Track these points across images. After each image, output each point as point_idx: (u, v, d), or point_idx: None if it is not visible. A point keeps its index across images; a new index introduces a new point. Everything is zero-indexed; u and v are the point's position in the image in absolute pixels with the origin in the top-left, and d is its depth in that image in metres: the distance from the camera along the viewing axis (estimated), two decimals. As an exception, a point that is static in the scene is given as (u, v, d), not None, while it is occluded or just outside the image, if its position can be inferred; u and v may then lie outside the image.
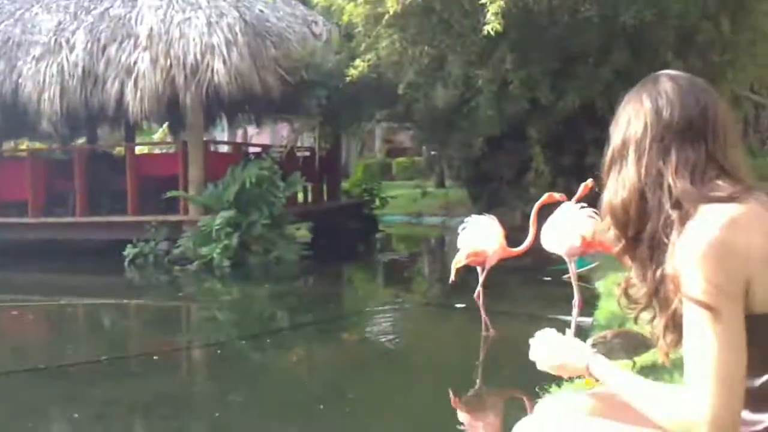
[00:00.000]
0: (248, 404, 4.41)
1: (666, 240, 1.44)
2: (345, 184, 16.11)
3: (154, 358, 5.80)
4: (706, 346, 1.34)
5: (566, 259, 5.24)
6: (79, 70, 10.64)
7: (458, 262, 5.42)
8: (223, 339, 6.53)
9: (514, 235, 5.67)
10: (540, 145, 10.64)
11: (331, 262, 11.04)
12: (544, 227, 5.28)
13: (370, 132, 28.15)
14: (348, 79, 10.57)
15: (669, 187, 1.45)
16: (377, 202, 15.32)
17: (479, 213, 11.76)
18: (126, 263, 10.55)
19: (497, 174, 11.58)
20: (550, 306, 6.42)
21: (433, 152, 17.51)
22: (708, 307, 1.33)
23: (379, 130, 29.05)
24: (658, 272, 1.48)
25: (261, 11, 11.64)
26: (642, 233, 1.51)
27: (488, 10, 8.85)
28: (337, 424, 3.99)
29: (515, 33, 9.97)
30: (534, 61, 10.24)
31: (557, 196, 5.42)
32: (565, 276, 7.41)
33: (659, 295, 1.50)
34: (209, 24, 10.35)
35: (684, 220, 1.41)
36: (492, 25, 8.78)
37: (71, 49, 10.81)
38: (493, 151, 11.27)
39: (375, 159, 26.22)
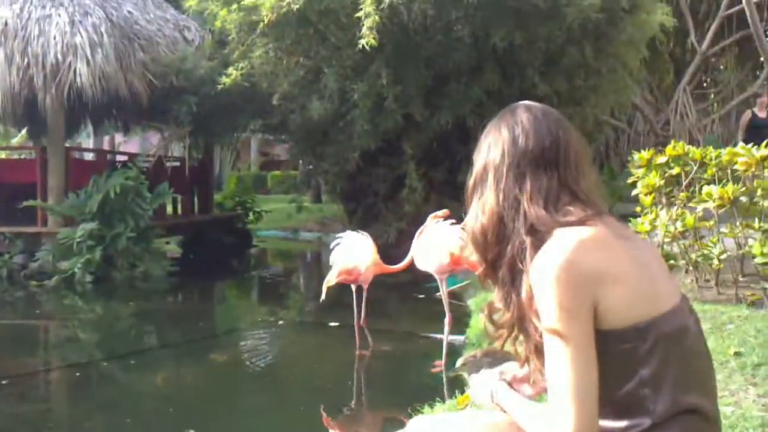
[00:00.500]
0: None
1: (521, 265, 1.52)
2: (217, 197, 15.62)
3: (3, 382, 5.29)
4: (560, 367, 1.42)
5: (436, 276, 5.24)
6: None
7: (329, 281, 5.31)
8: (84, 360, 6.08)
9: (389, 252, 5.63)
10: (414, 161, 10.71)
11: (201, 277, 10.63)
12: (414, 245, 5.27)
13: (245, 143, 27.74)
14: (220, 86, 10.27)
15: (524, 212, 1.51)
16: (251, 215, 14.95)
17: (355, 229, 11.76)
18: (-25, 278, 9.71)
19: (372, 189, 11.56)
20: (425, 324, 6.41)
21: (309, 166, 17.37)
22: (557, 331, 1.41)
23: (255, 141, 28.69)
24: (521, 297, 1.54)
25: (129, 12, 11.09)
26: (501, 258, 1.56)
27: (363, 24, 8.86)
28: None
29: (391, 48, 10.04)
30: (408, 77, 10.32)
31: (441, 214, 5.41)
32: (438, 294, 7.51)
33: (522, 319, 1.56)
34: (72, 22, 9.74)
35: (538, 245, 1.48)
36: (367, 39, 8.80)
37: None
38: (368, 166, 11.25)
39: (249, 171, 25.75)
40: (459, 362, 3.39)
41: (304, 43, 10.88)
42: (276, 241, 15.70)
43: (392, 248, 8.35)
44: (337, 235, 5.74)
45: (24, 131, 16.78)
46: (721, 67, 20.13)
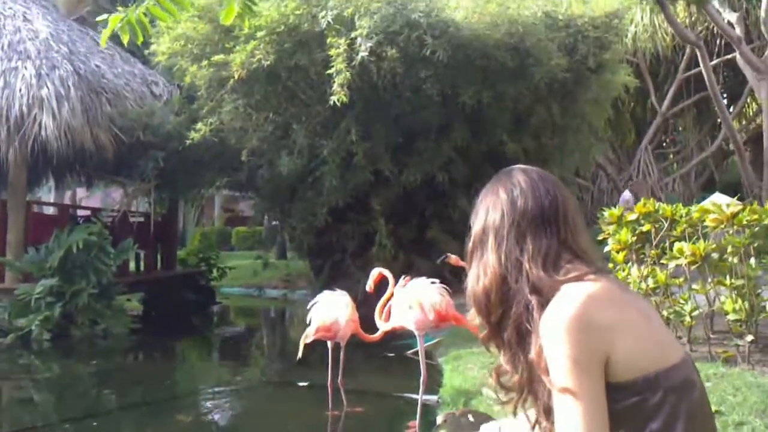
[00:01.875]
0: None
1: (528, 325, 1.51)
2: (181, 253, 15.36)
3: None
4: (570, 423, 1.41)
5: (416, 333, 5.14)
6: None
7: (306, 336, 5.17)
8: (40, 423, 5.78)
9: (358, 310, 5.51)
10: (383, 218, 10.68)
11: (163, 335, 10.33)
12: (393, 301, 5.19)
13: (209, 199, 27.54)
14: (189, 142, 10.21)
15: (527, 273, 1.53)
16: (215, 272, 14.70)
17: (322, 285, 11.59)
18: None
19: (340, 245, 11.47)
20: (397, 383, 6.27)
21: (274, 222, 17.29)
22: (568, 388, 1.40)
23: (218, 197, 28.49)
24: (528, 357, 1.53)
25: (97, 66, 11.03)
26: (506, 319, 1.56)
27: (334, 81, 8.92)
28: None
29: (360, 105, 10.11)
30: (378, 134, 10.38)
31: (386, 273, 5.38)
32: (410, 352, 7.39)
33: (531, 380, 1.55)
34: (39, 75, 9.62)
35: (544, 304, 1.48)
36: (338, 96, 8.85)
37: None
38: (336, 222, 11.18)
39: (213, 227, 25.50)
40: (439, 419, 3.33)
41: (273, 100, 10.90)
42: (240, 298, 15.43)
43: (360, 306, 8.22)
44: (304, 292, 5.64)
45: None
46: (680, 127, 20.68)
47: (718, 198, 14.78)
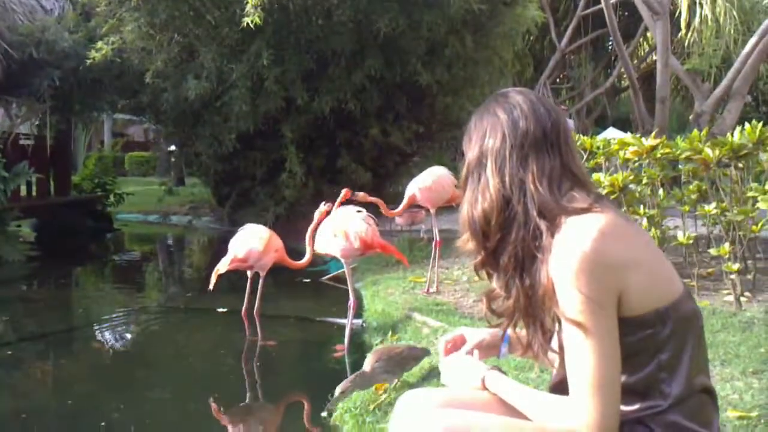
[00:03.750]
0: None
1: (536, 252, 1.48)
2: (75, 178, 14.65)
3: None
4: (583, 359, 1.41)
5: (342, 261, 5.17)
6: None
7: (219, 268, 5.11)
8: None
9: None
10: (294, 146, 10.54)
11: (62, 263, 9.91)
12: (319, 229, 5.18)
13: (100, 124, 26.28)
14: (89, 62, 9.64)
15: (531, 195, 1.49)
16: (112, 198, 14.13)
17: (228, 213, 11.42)
18: None
19: (248, 173, 11.27)
20: (317, 309, 6.32)
21: (172, 148, 16.74)
22: (582, 324, 1.40)
23: (108, 121, 27.22)
24: (526, 282, 1.52)
25: (-21, -26, 10.17)
26: (504, 244, 1.53)
27: (248, 2, 8.61)
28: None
29: (272, 29, 9.83)
30: (290, 59, 10.14)
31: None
32: (325, 278, 7.45)
33: (529, 304, 1.53)
34: None
35: (552, 230, 1.46)
36: (252, 17, 8.55)
37: None
38: (245, 149, 10.96)
39: (107, 152, 24.46)
40: (337, 391, 3.37)
41: (178, 20, 10.39)
42: (140, 225, 14.93)
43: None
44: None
45: None
46: (576, 65, 21.27)
47: (612, 132, 15.43)
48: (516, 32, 11.54)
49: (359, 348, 4.94)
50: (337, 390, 3.41)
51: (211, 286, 5.07)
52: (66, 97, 10.76)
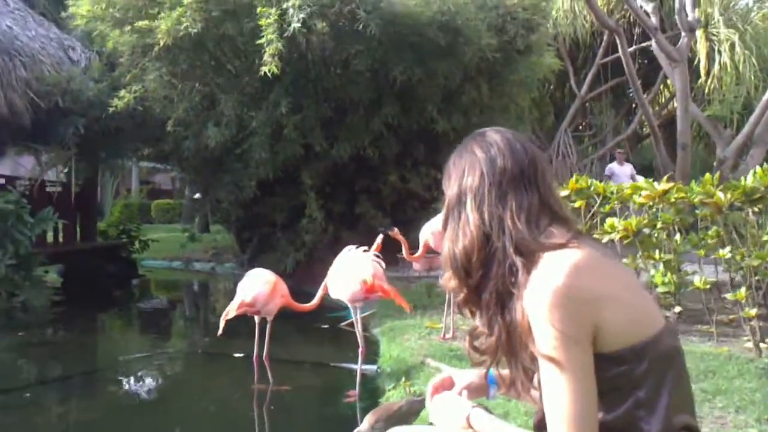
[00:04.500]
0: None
1: (512, 288, 1.49)
2: (101, 225, 14.87)
3: None
4: (559, 395, 1.40)
5: (350, 306, 5.18)
6: None
7: (228, 312, 5.13)
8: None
9: (285, 283, 5.50)
10: (313, 192, 10.63)
11: (85, 308, 10.00)
12: (329, 274, 5.21)
13: (127, 171, 26.73)
14: (111, 109, 9.86)
15: (510, 232, 1.49)
16: (136, 244, 14.31)
17: (249, 259, 11.47)
18: None
19: (269, 219, 11.36)
20: (333, 354, 6.31)
21: (196, 195, 16.94)
22: (556, 359, 1.39)
23: (136, 169, 27.71)
24: (507, 319, 1.51)
25: (9, 27, 10.49)
26: (485, 281, 1.53)
27: (265, 52, 8.78)
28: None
29: (290, 77, 10.01)
30: (308, 107, 10.29)
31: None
32: (344, 324, 7.44)
33: (510, 342, 1.53)
34: (-52, 36, 9.11)
35: (528, 266, 1.46)
36: (269, 66, 8.71)
37: None
38: (265, 195, 11.06)
39: (133, 199, 24.79)
40: None
41: (199, 69, 10.64)
42: (164, 271, 15.07)
43: (288, 279, 8.21)
44: (232, 265, 5.59)
45: None
46: (597, 111, 21.32)
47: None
48: (532, 80, 11.62)
49: (372, 393, 4.92)
50: None
51: (220, 331, 5.07)
52: (91, 145, 10.99)
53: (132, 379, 6.25)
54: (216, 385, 5.79)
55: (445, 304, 6.07)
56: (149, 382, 6.13)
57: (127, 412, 5.15)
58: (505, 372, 1.69)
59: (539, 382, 1.51)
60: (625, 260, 5.48)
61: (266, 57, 8.81)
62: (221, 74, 10.68)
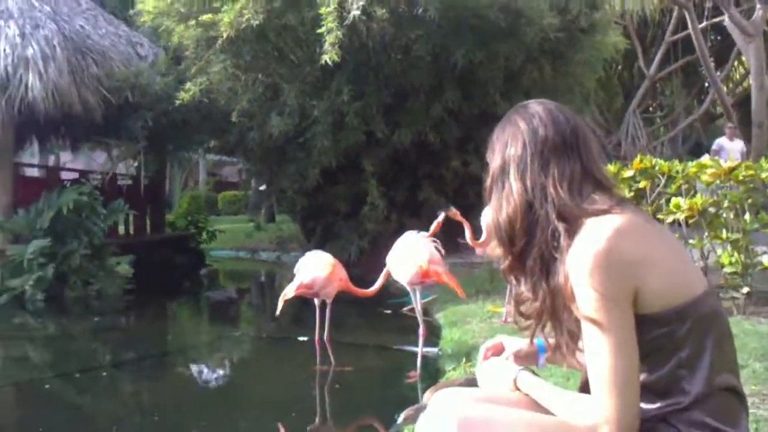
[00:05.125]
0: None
1: (555, 253, 1.52)
2: (169, 216, 15.30)
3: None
4: (601, 356, 1.44)
5: (408, 288, 5.19)
6: None
7: (286, 294, 5.19)
8: (40, 377, 5.79)
9: (350, 271, 5.56)
10: (375, 179, 10.67)
11: (156, 297, 10.31)
12: (388, 257, 5.23)
13: (194, 165, 27.40)
14: (178, 102, 10.10)
15: (552, 199, 1.53)
16: (204, 235, 14.66)
17: (314, 248, 11.65)
18: None
19: (332, 208, 11.46)
20: (394, 337, 6.33)
21: (262, 186, 17.22)
22: (597, 321, 1.43)
23: (203, 162, 28.34)
24: (551, 284, 1.55)
25: (81, 27, 10.82)
26: (529, 248, 1.57)
27: (325, 41, 8.84)
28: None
29: (351, 65, 10.05)
30: (369, 94, 10.33)
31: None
32: (406, 308, 7.45)
33: (554, 306, 1.56)
34: (23, 35, 9.43)
35: (571, 232, 1.50)
36: (330, 55, 8.77)
37: None
38: (328, 184, 11.17)
39: (200, 191, 25.36)
40: (400, 419, 3.35)
41: (262, 60, 10.81)
42: (231, 261, 15.41)
43: (353, 267, 8.29)
44: (297, 254, 5.66)
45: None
46: (667, 91, 20.73)
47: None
48: (597, 60, 11.35)
49: (433, 374, 4.93)
50: (401, 417, 3.41)
51: (278, 312, 5.16)
52: (159, 138, 11.28)
53: (200, 361, 6.48)
54: (280, 367, 5.90)
55: (507, 289, 6.01)
56: (217, 364, 6.33)
57: (196, 392, 5.33)
58: (553, 341, 1.72)
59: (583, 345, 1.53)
60: (691, 241, 5.32)
61: (327, 46, 8.87)
62: (283, 64, 10.81)
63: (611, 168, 5.90)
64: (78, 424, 4.48)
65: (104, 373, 5.92)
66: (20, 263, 8.93)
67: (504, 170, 1.62)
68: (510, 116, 1.68)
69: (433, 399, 1.72)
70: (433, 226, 5.45)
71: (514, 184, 1.59)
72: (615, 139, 18.49)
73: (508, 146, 1.62)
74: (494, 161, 1.66)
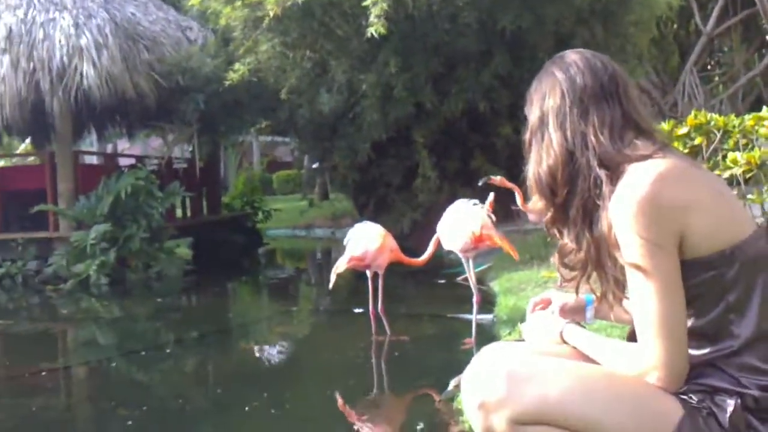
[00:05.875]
0: (143, 415, 4.02)
1: (597, 200, 1.51)
2: (225, 198, 15.57)
3: (42, 374, 5.26)
4: (647, 302, 1.43)
5: (461, 256, 5.17)
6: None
7: (338, 267, 5.21)
8: (108, 356, 5.99)
9: (403, 244, 5.57)
10: (426, 150, 10.64)
11: (216, 276, 10.54)
12: (439, 226, 5.21)
13: (248, 146, 27.76)
14: (228, 83, 10.21)
15: (593, 146, 1.52)
16: (260, 215, 14.89)
17: (368, 221, 11.70)
18: (-9, 285, 9.69)
19: (384, 181, 11.49)
20: (449, 306, 6.34)
21: (315, 164, 17.35)
22: (643, 266, 1.42)
23: (257, 144, 28.67)
24: (594, 233, 1.54)
25: (132, 14, 11.04)
26: (571, 197, 1.57)
27: (371, 13, 8.80)
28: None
29: (398, 37, 9.98)
30: (417, 65, 10.26)
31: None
32: (460, 278, 7.44)
33: (598, 254, 1.55)
34: (76, 25, 9.66)
35: (613, 179, 1.49)
36: (375, 27, 8.73)
37: None
38: (379, 158, 11.19)
39: (255, 172, 25.69)
40: (452, 385, 3.35)
41: (309, 37, 10.82)
42: (287, 239, 15.65)
43: (406, 239, 8.31)
44: (347, 230, 5.66)
45: (27, 141, 16.74)
46: (726, 48, 20.03)
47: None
48: (650, 18, 11.04)
49: (489, 340, 4.87)
50: (452, 383, 3.42)
51: (330, 285, 5.19)
52: (211, 120, 11.44)
53: (261, 336, 6.66)
54: (337, 339, 6.00)
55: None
56: (276, 338, 6.49)
57: (257, 365, 5.46)
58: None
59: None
60: (750, 196, 5.15)
61: (373, 18, 8.82)
62: (330, 40, 10.81)
63: (665, 126, 5.75)
64: (146, 398, 4.62)
65: (168, 351, 6.11)
66: (83, 249, 9.23)
67: (543, 122, 1.61)
68: (547, 68, 1.67)
69: (480, 353, 1.72)
70: (486, 205, 5.35)
71: (553, 134, 1.58)
72: (671, 99, 17.97)
73: (546, 98, 1.61)
74: (532, 114, 1.65)
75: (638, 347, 1.46)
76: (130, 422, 3.98)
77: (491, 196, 5.51)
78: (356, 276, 6.37)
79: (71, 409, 4.77)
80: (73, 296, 8.95)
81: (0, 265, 9.91)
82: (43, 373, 5.49)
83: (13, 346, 6.94)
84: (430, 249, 5.32)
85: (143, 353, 5.94)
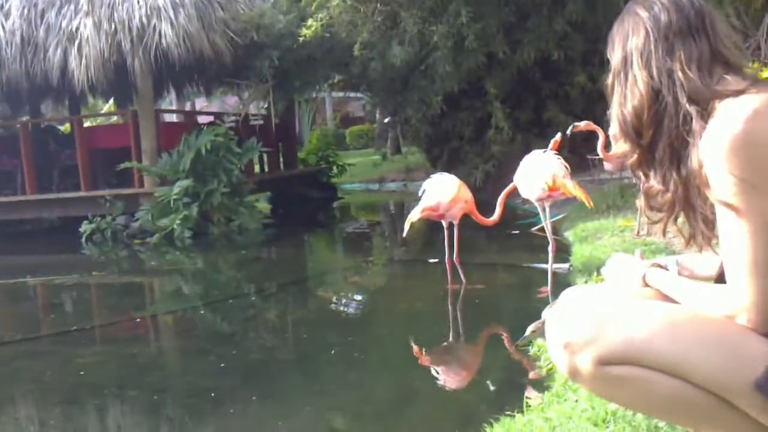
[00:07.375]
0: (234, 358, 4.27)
1: (687, 137, 1.45)
2: (300, 153, 15.83)
3: (136, 320, 5.68)
4: (738, 242, 1.38)
5: (537, 205, 5.19)
6: (17, 38, 10.16)
7: (412, 217, 5.28)
8: (194, 305, 6.33)
9: (476, 196, 5.56)
10: (498, 101, 10.55)
11: (293, 229, 10.84)
12: (516, 175, 5.22)
13: (321, 102, 27.95)
14: (301, 39, 10.31)
15: (681, 82, 1.45)
16: (335, 169, 15.11)
17: (440, 173, 11.76)
18: (83, 240, 10.20)
19: (457, 133, 11.47)
20: (524, 256, 6.39)
21: (387, 118, 17.39)
22: (735, 205, 1.36)
23: (329, 100, 28.85)
24: (682, 172, 1.49)
25: (206, -27, 11.21)
26: (658, 137, 1.51)
27: (442, -38, 8.71)
28: (326, 377, 3.86)
29: (469, -14, 9.85)
30: (489, 14, 10.10)
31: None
32: (534, 228, 7.45)
33: (687, 194, 1.51)
34: (154, -15, 9.92)
35: (703, 114, 1.42)
36: (447, -24, 8.64)
37: (6, 16, 10.32)
38: (451, 110, 11.16)
39: (328, 128, 25.93)
40: (528, 330, 3.36)
41: (379, -11, 10.78)
42: (361, 193, 15.85)
43: (479, 191, 8.33)
44: (420, 182, 5.71)
45: (111, 101, 17.33)
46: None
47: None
48: (732, -44, 10.53)
49: (564, 288, 4.91)
50: (529, 328, 3.47)
51: (404, 234, 5.33)
52: (285, 76, 11.60)
53: (338, 285, 6.87)
54: (413, 288, 6.14)
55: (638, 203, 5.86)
56: (353, 287, 6.68)
57: (337, 312, 5.67)
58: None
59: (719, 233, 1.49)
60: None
61: (443, -33, 8.75)
62: (400, -9, 10.75)
63: (751, 68, 5.57)
64: (235, 343, 4.87)
65: (253, 299, 6.40)
66: (167, 204, 9.62)
67: (627, 62, 1.55)
68: (629, 8, 1.59)
69: (564, 294, 1.73)
70: (551, 145, 5.34)
71: (638, 73, 1.52)
72: (754, 43, 17.16)
73: (629, 37, 1.55)
74: (615, 55, 1.59)
75: (728, 288, 1.42)
76: (222, 365, 4.24)
77: (558, 135, 5.49)
78: (430, 227, 6.46)
79: (166, 354, 5.10)
80: (158, 249, 9.38)
81: (90, 221, 10.41)
82: (137, 320, 5.86)
83: (105, 297, 7.39)
84: (499, 209, 5.32)
85: (229, 302, 6.22)
